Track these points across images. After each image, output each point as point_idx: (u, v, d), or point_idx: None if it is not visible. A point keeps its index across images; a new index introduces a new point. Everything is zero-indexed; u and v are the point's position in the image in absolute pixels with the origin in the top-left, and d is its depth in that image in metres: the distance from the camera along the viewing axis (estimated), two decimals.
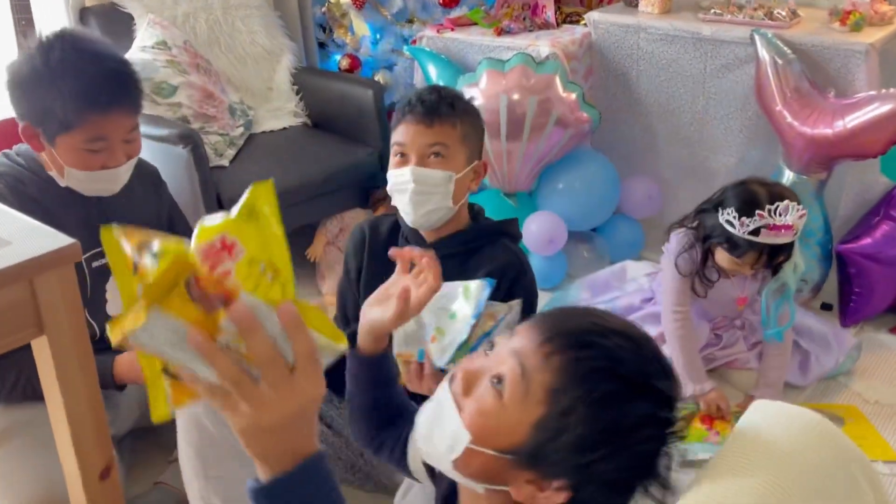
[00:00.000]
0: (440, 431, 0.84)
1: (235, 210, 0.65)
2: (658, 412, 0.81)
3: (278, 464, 0.68)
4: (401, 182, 1.47)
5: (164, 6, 2.71)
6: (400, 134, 1.49)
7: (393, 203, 1.53)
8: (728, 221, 1.83)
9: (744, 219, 1.79)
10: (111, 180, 1.53)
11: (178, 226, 1.78)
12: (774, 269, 1.92)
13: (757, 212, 1.77)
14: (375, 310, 1.05)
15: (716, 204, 1.89)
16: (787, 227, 1.77)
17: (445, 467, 0.85)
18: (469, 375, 0.84)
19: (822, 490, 0.90)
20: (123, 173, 1.54)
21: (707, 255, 1.96)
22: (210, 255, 0.63)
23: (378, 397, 1.11)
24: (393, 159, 1.51)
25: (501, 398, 0.80)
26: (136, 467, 1.73)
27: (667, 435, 0.83)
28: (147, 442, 1.82)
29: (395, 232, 1.59)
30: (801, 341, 2.14)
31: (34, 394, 1.17)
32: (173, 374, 0.67)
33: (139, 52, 2.49)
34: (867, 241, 2.36)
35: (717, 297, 2.03)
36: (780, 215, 1.76)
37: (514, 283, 1.46)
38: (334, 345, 0.69)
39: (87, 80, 1.42)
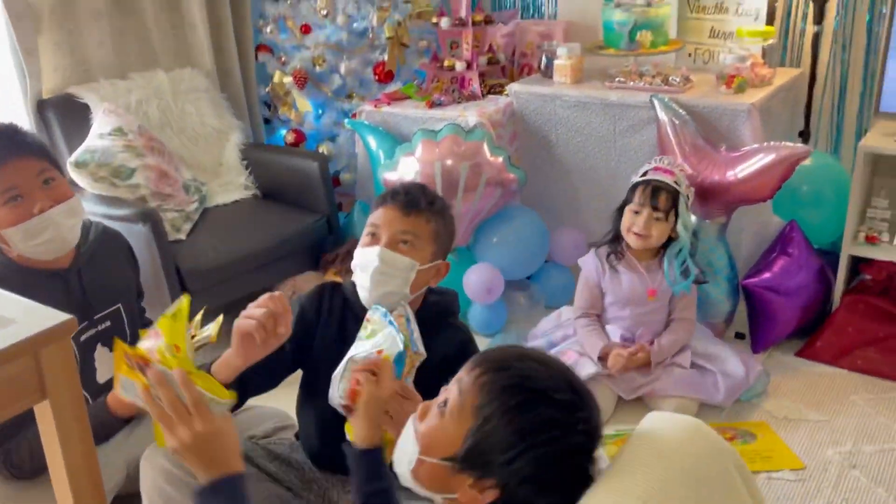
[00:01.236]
0: (402, 450, 1.06)
1: (169, 311, 1.14)
2: (560, 417, 1.00)
3: (207, 474, 1.08)
4: (367, 260, 1.51)
5: (117, 94, 2.89)
6: (377, 216, 1.55)
7: (354, 279, 1.57)
8: (632, 182, 2.41)
9: (639, 170, 2.43)
10: (51, 228, 1.56)
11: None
12: (667, 245, 2.40)
13: (647, 163, 2.44)
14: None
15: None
16: (669, 171, 2.36)
17: (407, 480, 1.06)
18: (426, 406, 1.08)
19: (700, 479, 1.12)
20: (60, 220, 1.58)
21: (619, 240, 2.44)
22: (150, 336, 1.11)
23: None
24: (363, 239, 1.56)
25: (443, 417, 1.03)
26: None
27: (572, 437, 1.01)
28: None
29: (346, 309, 1.61)
30: (709, 365, 2.40)
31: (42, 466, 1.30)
32: None
33: (98, 140, 2.67)
34: (767, 275, 2.63)
35: (630, 291, 2.42)
36: (664, 163, 2.40)
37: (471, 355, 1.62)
38: (218, 399, 1.14)
39: None
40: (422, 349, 1.36)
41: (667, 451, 1.13)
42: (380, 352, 1.32)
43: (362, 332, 1.38)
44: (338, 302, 1.61)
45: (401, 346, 1.31)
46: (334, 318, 1.59)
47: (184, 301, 1.15)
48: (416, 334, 1.37)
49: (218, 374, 1.41)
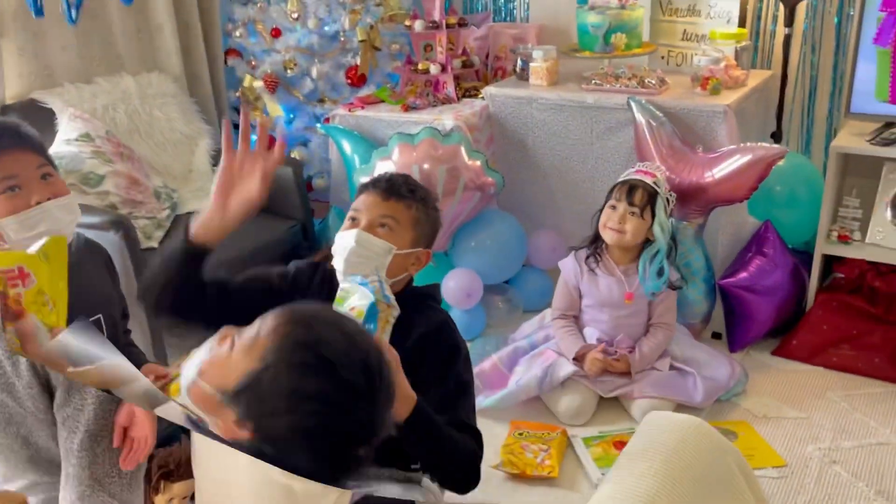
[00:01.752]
0: (188, 366, 1.05)
1: (34, 249, 0.94)
2: (333, 394, 0.96)
3: None
4: (344, 243, 1.53)
5: (83, 99, 2.82)
6: (359, 202, 1.58)
7: (332, 263, 1.57)
8: (613, 183, 2.46)
9: (622, 173, 2.48)
10: (47, 221, 1.53)
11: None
12: (644, 245, 2.42)
13: (632, 166, 2.49)
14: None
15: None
16: (650, 174, 2.40)
17: (184, 396, 1.05)
18: (228, 330, 1.05)
19: (703, 478, 1.12)
20: (57, 214, 1.55)
21: (598, 242, 2.46)
22: (10, 276, 0.90)
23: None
24: (344, 224, 1.58)
25: (232, 349, 1.01)
26: None
27: (340, 420, 0.96)
28: None
29: (332, 293, 1.60)
30: (687, 367, 2.42)
31: None
32: None
33: (64, 146, 2.59)
34: (743, 274, 2.66)
35: (608, 295, 2.43)
36: (646, 167, 2.45)
37: (450, 336, 1.59)
38: None
39: None
40: (395, 304, 1.32)
41: (669, 450, 1.12)
42: (352, 309, 1.28)
43: (337, 301, 1.35)
44: (328, 283, 1.61)
45: (372, 297, 1.28)
46: (322, 298, 1.55)
47: (60, 239, 0.99)
48: (389, 292, 1.33)
49: (197, 234, 1.50)
